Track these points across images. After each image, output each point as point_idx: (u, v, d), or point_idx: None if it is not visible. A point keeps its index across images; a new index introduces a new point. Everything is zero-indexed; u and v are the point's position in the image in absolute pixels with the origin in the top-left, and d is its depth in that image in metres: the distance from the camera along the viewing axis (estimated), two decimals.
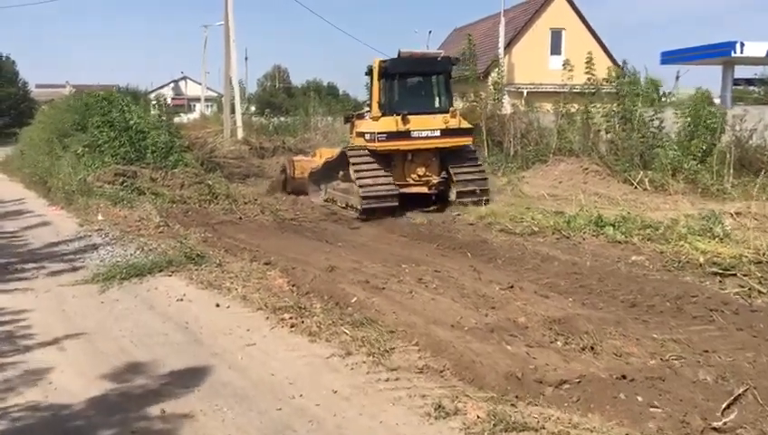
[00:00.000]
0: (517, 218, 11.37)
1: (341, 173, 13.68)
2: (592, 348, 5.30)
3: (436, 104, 13.55)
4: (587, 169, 16.08)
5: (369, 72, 13.55)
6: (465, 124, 13.40)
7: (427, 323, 5.74)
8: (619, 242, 9.52)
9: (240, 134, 25.09)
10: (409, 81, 13.89)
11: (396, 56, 13.58)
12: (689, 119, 14.95)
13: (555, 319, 6.03)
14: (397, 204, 12.51)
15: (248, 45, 60.13)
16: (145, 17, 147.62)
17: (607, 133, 16.51)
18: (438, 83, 13.71)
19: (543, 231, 10.42)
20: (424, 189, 13.07)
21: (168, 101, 39.20)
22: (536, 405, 4.11)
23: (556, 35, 33.54)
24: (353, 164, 12.84)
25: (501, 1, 29.47)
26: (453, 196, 13.09)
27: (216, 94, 66.33)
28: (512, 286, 7.41)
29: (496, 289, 7.31)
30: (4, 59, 50.48)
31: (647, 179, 14.77)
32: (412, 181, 13.07)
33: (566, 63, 18.35)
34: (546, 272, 8.22)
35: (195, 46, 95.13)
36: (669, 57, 27.28)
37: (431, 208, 13.04)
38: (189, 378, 4.57)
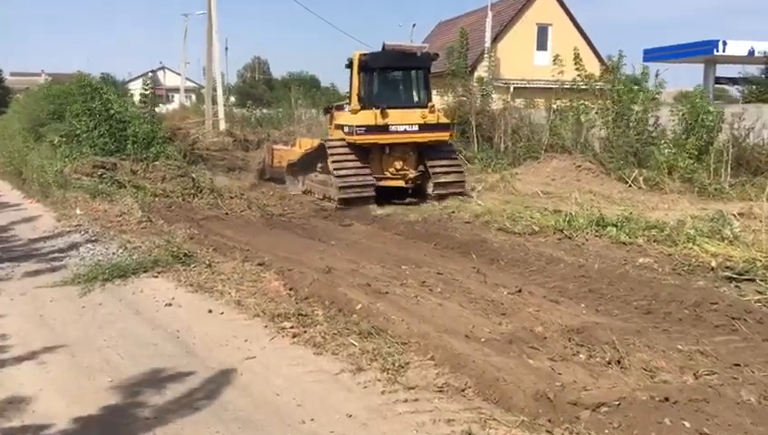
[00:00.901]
0: (515, 217, 11.01)
1: (320, 165, 13.75)
2: (618, 362, 4.94)
3: (415, 99, 13.61)
4: (580, 166, 15.77)
5: (350, 65, 13.52)
6: (444, 119, 13.58)
7: (440, 333, 5.32)
8: (624, 243, 9.20)
9: (222, 126, 24.47)
10: (389, 75, 13.96)
11: (381, 49, 13.42)
12: (686, 116, 14.69)
13: (573, 328, 5.66)
14: (374, 196, 12.65)
15: (228, 36, 59.13)
16: (122, 4, 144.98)
17: (601, 130, 16.21)
18: (418, 78, 13.75)
19: (544, 231, 10.06)
20: (401, 183, 13.23)
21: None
22: (573, 432, 3.72)
23: (542, 31, 33.30)
24: (331, 156, 12.91)
25: None
26: (430, 189, 13.23)
27: (194, 85, 65.34)
28: (519, 290, 7.04)
29: (504, 293, 6.93)
30: None
31: (641, 178, 14.53)
32: (389, 175, 13.21)
33: (556, 59, 18.01)
34: (552, 275, 7.87)
35: (173, 36, 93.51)
36: (651, 55, 27.22)
37: (407, 201, 13.07)
38: (184, 398, 4.09)
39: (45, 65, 72.62)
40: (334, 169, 12.71)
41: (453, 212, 12.12)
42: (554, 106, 17.71)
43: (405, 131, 12.83)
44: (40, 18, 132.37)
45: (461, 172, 13.69)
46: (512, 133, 18.33)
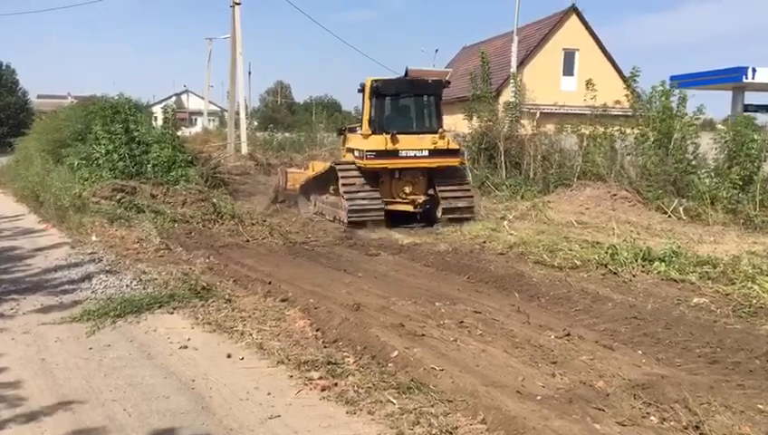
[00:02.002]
0: (552, 249, 10.35)
1: (332, 187, 13.92)
2: (697, 427, 4.27)
3: (426, 125, 13.73)
4: (615, 194, 15.09)
5: (362, 90, 13.69)
6: (454, 145, 13.84)
7: (487, 387, 4.69)
8: (675, 280, 8.50)
9: (244, 149, 24.15)
10: (400, 101, 14.16)
11: (404, 73, 13.63)
12: (729, 144, 13.97)
13: (638, 383, 5.00)
14: (383, 219, 12.77)
15: (251, 60, 59.53)
16: (148, 30, 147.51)
17: (638, 157, 15.52)
18: (429, 105, 13.92)
19: (586, 265, 9.40)
20: (409, 208, 13.33)
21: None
22: None
23: (569, 56, 32.76)
24: (342, 178, 13.10)
25: (515, 19, 28.66)
26: (439, 214, 13.32)
27: (217, 109, 65.70)
28: (568, 334, 6.40)
29: (551, 337, 6.28)
30: (3, 67, 49.58)
31: (681, 208, 13.80)
32: (399, 199, 13.37)
33: (588, 83, 17.43)
34: (601, 315, 7.21)
35: (197, 59, 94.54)
36: (678, 81, 26.53)
37: (414, 226, 12.95)
38: None
39: (72, 88, 73.58)
40: (344, 193, 12.84)
41: (484, 242, 11.50)
42: (586, 132, 17.03)
43: (415, 157, 12.95)
44: (67, 41, 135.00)
45: (470, 197, 13.74)
46: (542, 160, 17.69)
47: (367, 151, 12.79)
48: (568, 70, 32.65)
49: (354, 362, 5.05)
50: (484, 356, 5.53)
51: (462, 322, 6.60)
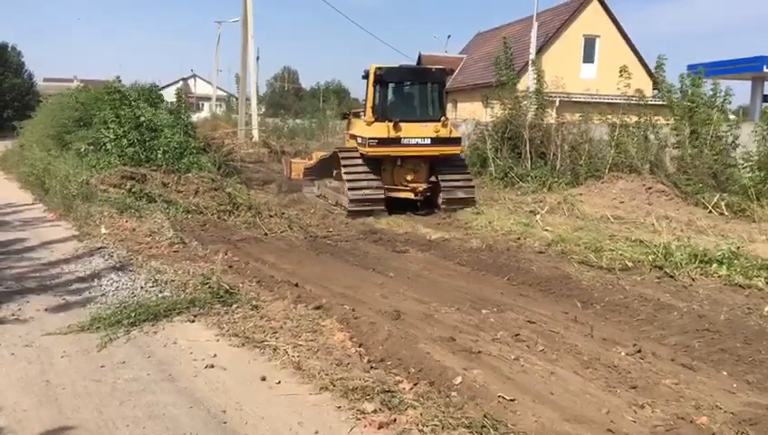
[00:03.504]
0: (595, 247, 9.60)
1: (335, 172, 14.02)
2: None
3: (429, 113, 13.67)
4: (650, 188, 14.25)
5: (366, 77, 13.64)
6: (455, 134, 13.83)
7: (571, 423, 3.97)
8: (741, 286, 7.75)
9: (256, 135, 23.35)
10: (403, 89, 14.16)
11: (417, 59, 13.31)
12: None
13: (742, 417, 4.26)
14: (383, 207, 12.81)
15: (259, 45, 58.46)
16: (155, 14, 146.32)
17: (674, 149, 14.68)
18: (432, 93, 13.87)
19: (638, 267, 8.63)
20: (410, 195, 13.32)
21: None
22: None
23: (590, 43, 31.77)
24: (344, 166, 13.15)
25: (534, 4, 27.66)
26: (440, 201, 13.39)
27: (224, 94, 64.80)
28: (639, 350, 5.67)
29: (621, 354, 5.55)
30: (9, 49, 48.73)
31: (723, 203, 12.99)
32: (400, 186, 13.38)
33: (623, 70, 16.55)
34: (668, 326, 6.48)
35: (204, 44, 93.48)
36: (696, 71, 25.63)
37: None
38: None
39: (78, 71, 72.65)
40: (346, 180, 12.91)
41: (519, 239, 10.75)
42: (617, 121, 16.15)
43: (417, 145, 12.95)
44: (73, 25, 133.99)
45: (471, 187, 13.88)
46: (570, 150, 16.84)
47: (369, 139, 12.78)
48: (588, 57, 31.69)
49: (410, 388, 4.31)
50: (556, 380, 4.79)
51: (518, 334, 5.86)
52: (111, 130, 13.73)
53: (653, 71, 16.09)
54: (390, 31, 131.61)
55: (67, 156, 14.24)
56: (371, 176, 12.94)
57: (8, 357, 4.72)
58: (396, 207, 13.02)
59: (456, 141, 13.55)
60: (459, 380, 4.39)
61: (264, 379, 4.43)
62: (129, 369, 4.57)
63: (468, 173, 14.27)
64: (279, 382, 4.39)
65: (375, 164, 13.07)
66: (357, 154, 13.22)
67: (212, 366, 4.65)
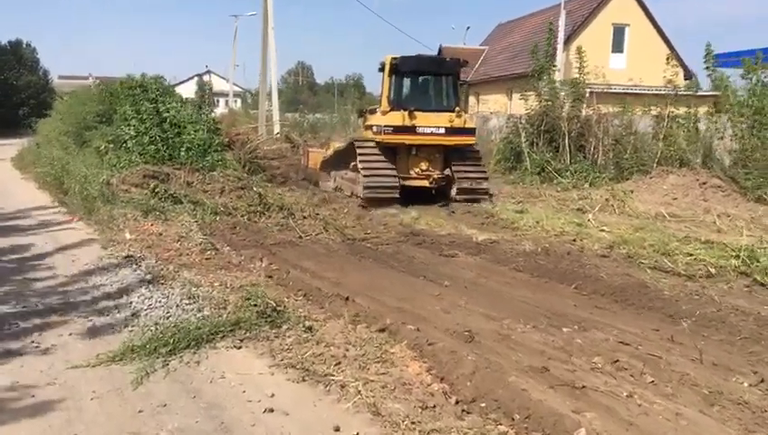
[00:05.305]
0: (665, 250, 8.74)
1: (351, 163, 13.96)
2: None
3: (443, 103, 13.76)
4: (705, 183, 13.30)
5: (382, 68, 13.77)
6: (470, 124, 13.80)
7: None
8: None
9: (277, 129, 22.56)
10: (419, 79, 14.26)
11: (438, 51, 12.95)
12: None
13: None
14: (398, 196, 12.89)
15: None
16: (170, 11, 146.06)
17: (732, 142, 13.71)
18: (447, 83, 13.96)
19: (721, 273, 7.75)
20: (425, 183, 13.38)
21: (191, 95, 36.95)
22: None
23: (619, 32, 30.65)
24: (359, 154, 13.26)
25: None
26: (453, 193, 13.44)
27: (240, 90, 64.12)
28: (762, 380, 4.80)
29: (744, 385, 4.71)
30: (24, 46, 48.33)
31: None
32: (415, 175, 13.43)
33: (669, 58, 15.59)
34: None
35: (218, 41, 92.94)
36: (724, 60, 24.56)
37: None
38: None
39: (93, 69, 72.29)
40: (362, 168, 13.00)
41: (575, 241, 9.89)
42: (666, 112, 15.19)
43: (431, 133, 13.05)
44: (88, 22, 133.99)
45: (485, 178, 13.86)
46: (614, 143, 15.90)
47: (384, 126, 12.98)
48: (617, 46, 30.57)
49: None
50: (686, 425, 3.95)
51: (616, 360, 5.02)
52: (132, 127, 13.03)
53: (703, 60, 15.07)
54: (409, 23, 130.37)
55: (86, 154, 13.54)
56: (386, 164, 13.06)
57: (28, 401, 3.92)
58: (409, 198, 12.99)
59: (470, 132, 13.56)
60: (583, 433, 3.55)
61: (337, 429, 3.61)
62: (172, 415, 3.77)
63: (482, 165, 14.27)
64: None
65: (390, 153, 13.23)
66: (372, 144, 13.41)
67: (271, 410, 3.84)
